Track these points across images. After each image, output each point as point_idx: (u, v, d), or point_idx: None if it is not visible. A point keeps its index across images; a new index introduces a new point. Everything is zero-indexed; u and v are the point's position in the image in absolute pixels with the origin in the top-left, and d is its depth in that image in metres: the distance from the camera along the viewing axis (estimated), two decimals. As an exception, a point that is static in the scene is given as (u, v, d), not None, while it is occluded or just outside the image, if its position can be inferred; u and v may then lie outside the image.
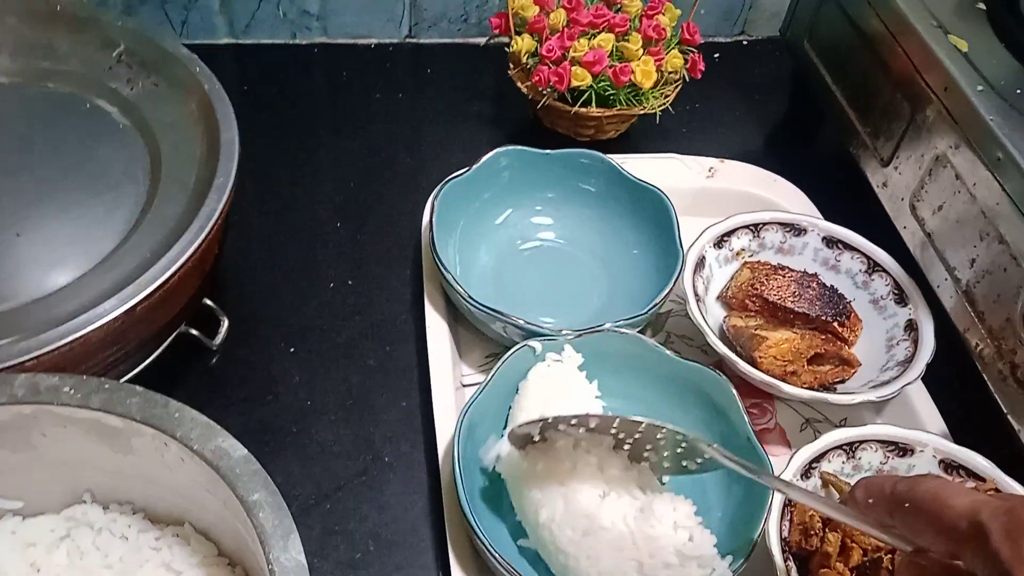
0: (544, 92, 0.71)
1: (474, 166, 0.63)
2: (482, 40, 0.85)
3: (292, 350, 0.61)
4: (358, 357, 0.61)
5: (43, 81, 0.59)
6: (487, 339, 0.61)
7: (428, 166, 0.73)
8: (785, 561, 0.47)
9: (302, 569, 0.36)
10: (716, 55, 0.87)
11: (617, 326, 0.56)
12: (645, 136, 0.77)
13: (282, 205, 0.69)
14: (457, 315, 0.61)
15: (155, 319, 0.51)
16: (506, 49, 0.74)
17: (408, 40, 0.85)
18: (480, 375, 0.60)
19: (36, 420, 0.40)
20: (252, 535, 0.37)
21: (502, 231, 0.66)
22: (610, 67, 0.70)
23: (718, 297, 0.64)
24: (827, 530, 0.48)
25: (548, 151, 0.65)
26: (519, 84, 0.73)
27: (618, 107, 0.72)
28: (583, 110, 0.71)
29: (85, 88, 0.59)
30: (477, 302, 0.56)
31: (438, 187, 0.62)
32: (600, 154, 0.65)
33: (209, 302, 0.57)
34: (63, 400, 0.40)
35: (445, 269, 0.57)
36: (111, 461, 0.43)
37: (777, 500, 0.49)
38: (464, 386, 0.59)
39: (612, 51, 0.70)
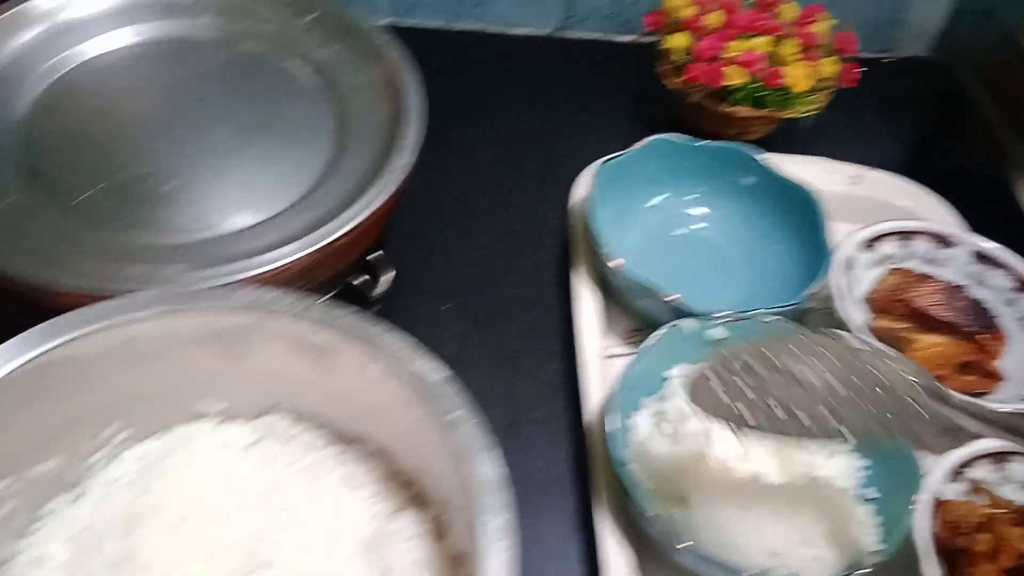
0: (694, 89, 0.73)
1: (631, 149, 0.66)
2: (629, 38, 0.88)
3: (445, 307, 0.64)
4: (507, 320, 0.64)
5: (241, 41, 0.64)
6: (629, 316, 0.63)
7: (570, 154, 0.76)
8: (935, 558, 0.47)
9: (504, 481, 0.38)
10: (862, 69, 0.87)
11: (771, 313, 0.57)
12: (787, 141, 0.78)
13: (438, 176, 0.73)
14: (603, 289, 0.63)
15: (339, 261, 0.54)
16: (657, 47, 0.76)
17: (558, 33, 0.88)
18: (624, 348, 0.62)
19: (253, 330, 0.44)
20: (450, 451, 0.39)
21: (652, 215, 0.68)
22: (764, 69, 0.71)
23: (861, 299, 0.65)
24: (979, 530, 0.49)
25: (703, 142, 0.67)
26: (668, 81, 0.75)
27: (768, 109, 0.73)
28: (733, 109, 0.73)
29: (276, 50, 0.63)
30: (629, 276, 0.58)
31: (598, 164, 0.65)
32: (753, 149, 0.67)
33: (374, 256, 0.60)
34: (281, 312, 0.43)
35: (600, 241, 0.60)
36: (310, 376, 0.46)
37: (927, 496, 0.50)
38: (607, 357, 0.61)
39: (767, 54, 0.72)
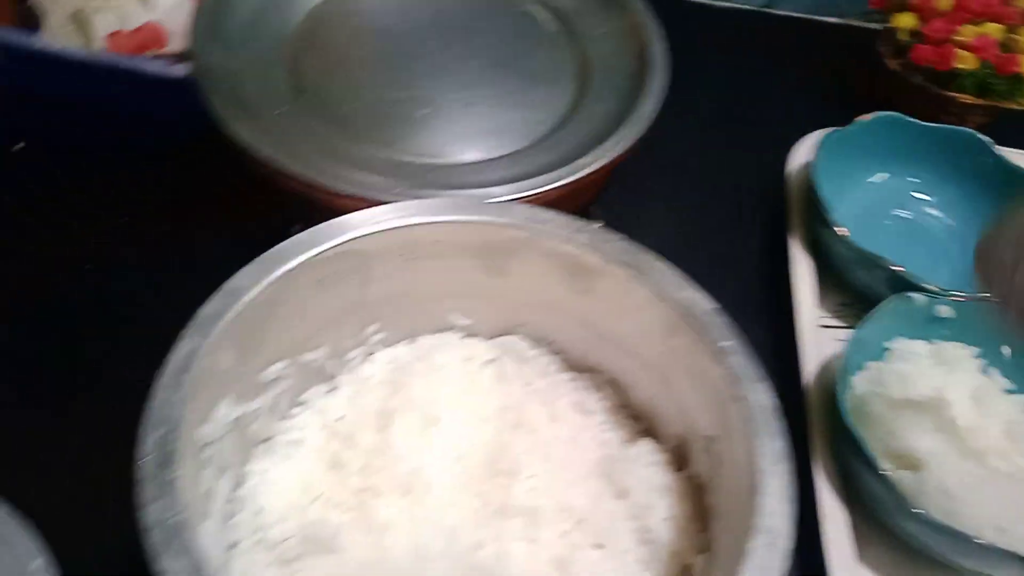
0: (917, 71, 0.72)
1: (857, 122, 0.65)
2: (835, 19, 0.87)
3: (652, 261, 0.65)
4: (709, 283, 0.64)
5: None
6: (838, 288, 0.63)
7: (774, 126, 0.76)
8: None
9: (770, 411, 0.39)
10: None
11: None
12: (1001, 132, 0.76)
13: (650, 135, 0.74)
14: (815, 258, 0.63)
15: (574, 202, 0.55)
16: (874, 27, 0.75)
17: (764, 9, 0.88)
18: (834, 320, 0.62)
19: (523, 246, 0.46)
20: (721, 378, 0.40)
21: (871, 191, 0.67)
22: (996, 56, 0.69)
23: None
24: None
25: (932, 124, 0.66)
26: (889, 61, 0.74)
27: (992, 97, 0.71)
28: (956, 95, 0.71)
29: (521, -6, 0.66)
30: (858, 245, 0.58)
31: (821, 133, 0.65)
32: (986, 138, 0.66)
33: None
34: (554, 232, 0.45)
35: (827, 209, 0.59)
36: (563, 299, 0.48)
37: None
38: (821, 327, 0.61)
39: (999, 42, 0.70)
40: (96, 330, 0.58)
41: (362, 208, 0.46)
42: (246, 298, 0.40)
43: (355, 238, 0.44)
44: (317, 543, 0.42)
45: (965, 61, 0.69)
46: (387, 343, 0.51)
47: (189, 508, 0.34)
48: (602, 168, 0.53)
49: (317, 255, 0.43)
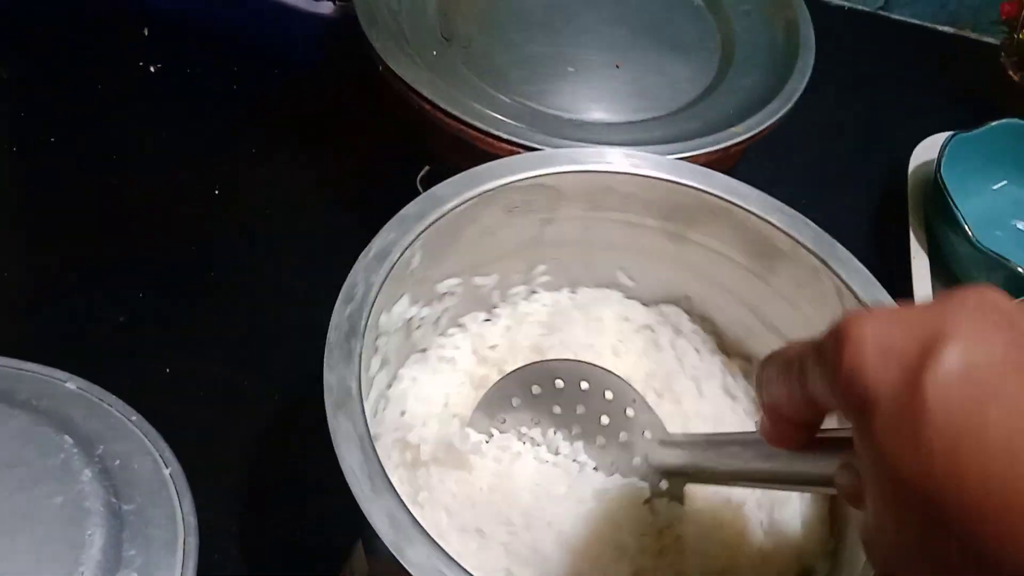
0: (1040, 84, 0.72)
1: (984, 127, 0.66)
2: (950, 29, 0.87)
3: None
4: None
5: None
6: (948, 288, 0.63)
7: (888, 128, 0.76)
8: None
9: None
10: None
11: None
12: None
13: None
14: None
15: (719, 169, 0.56)
16: (988, 41, 0.76)
17: (880, 12, 0.88)
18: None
19: (715, 214, 0.45)
20: None
21: (992, 199, 0.68)
22: None
23: None
24: None
25: (1061, 134, 0.66)
26: (1011, 73, 0.74)
27: (1116, 116, 0.71)
28: (1079, 110, 0.71)
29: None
30: (984, 246, 0.58)
31: (946, 135, 0.65)
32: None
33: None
34: (750, 207, 0.44)
35: (953, 207, 0.60)
36: (736, 278, 0.47)
37: None
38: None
39: None
40: (228, 252, 0.59)
41: (507, 153, 0.47)
42: (445, 207, 0.42)
43: (555, 173, 0.44)
44: (448, 456, 0.43)
45: (1091, 76, 0.69)
46: (550, 287, 0.51)
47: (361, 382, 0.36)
48: (746, 140, 0.54)
49: (516, 181, 0.43)
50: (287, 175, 0.64)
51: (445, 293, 0.47)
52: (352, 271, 0.39)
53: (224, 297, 0.57)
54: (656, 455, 0.41)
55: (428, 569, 0.30)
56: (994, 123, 0.66)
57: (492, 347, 0.48)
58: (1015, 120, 0.67)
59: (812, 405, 0.26)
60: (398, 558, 0.30)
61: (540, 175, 0.44)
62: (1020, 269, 0.57)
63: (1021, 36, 0.73)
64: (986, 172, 0.68)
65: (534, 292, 0.51)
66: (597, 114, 0.56)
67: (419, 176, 0.56)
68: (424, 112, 0.52)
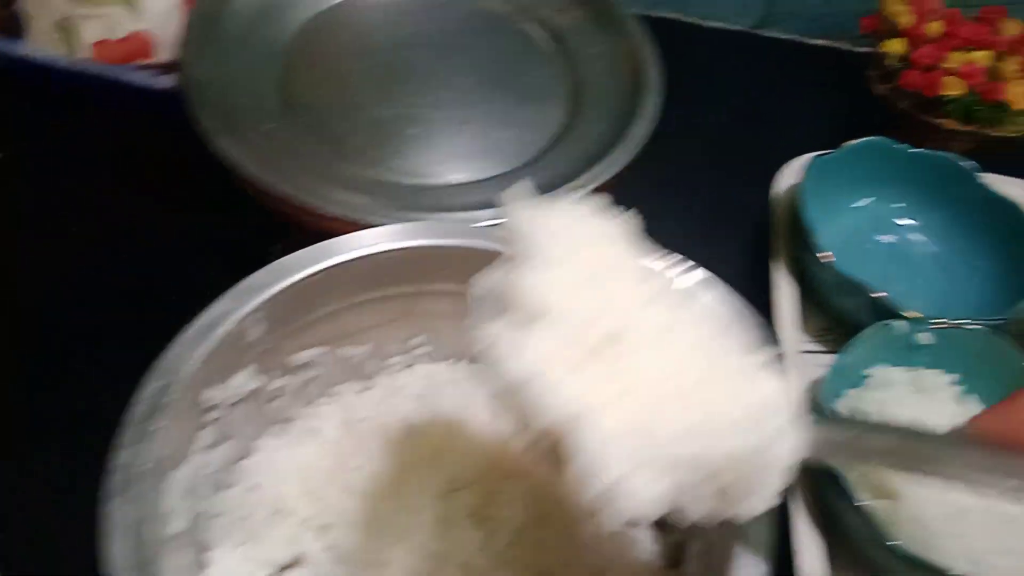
0: (904, 96, 0.72)
1: (845, 146, 0.66)
2: (824, 42, 0.87)
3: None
4: (697, 305, 0.65)
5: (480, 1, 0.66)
6: (820, 314, 0.63)
7: (762, 148, 0.76)
8: None
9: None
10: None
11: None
12: (985, 159, 0.77)
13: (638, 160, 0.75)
14: (798, 284, 0.64)
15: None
16: (863, 51, 0.76)
17: (754, 30, 0.88)
18: (815, 344, 0.62)
19: None
20: None
21: (856, 216, 0.68)
22: (983, 83, 0.70)
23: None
24: None
25: (920, 150, 0.67)
26: (877, 86, 0.75)
27: (977, 124, 0.72)
28: (942, 121, 0.72)
29: (517, 12, 0.65)
30: (841, 271, 0.58)
31: (808, 157, 0.65)
32: (966, 162, 0.66)
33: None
34: None
35: (812, 234, 0.60)
36: None
37: None
38: (802, 352, 0.61)
39: (986, 69, 0.71)
40: (83, 332, 0.58)
41: (347, 231, 0.46)
42: (293, 278, 0.42)
43: (419, 247, 0.44)
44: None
45: (952, 88, 0.70)
46: (432, 358, 0.51)
47: (165, 461, 0.36)
48: (591, 192, 0.53)
49: (379, 253, 0.44)
50: (143, 257, 0.62)
51: (305, 364, 0.46)
52: (169, 346, 0.39)
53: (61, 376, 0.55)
54: None
55: None
56: (855, 142, 0.66)
57: (362, 419, 0.48)
58: (875, 138, 0.67)
59: None
60: None
61: (403, 248, 0.44)
62: (875, 294, 0.57)
63: (882, 49, 0.74)
64: (852, 190, 0.68)
65: (412, 364, 0.51)
66: (442, 177, 0.55)
67: (273, 251, 0.55)
68: (253, 191, 0.51)
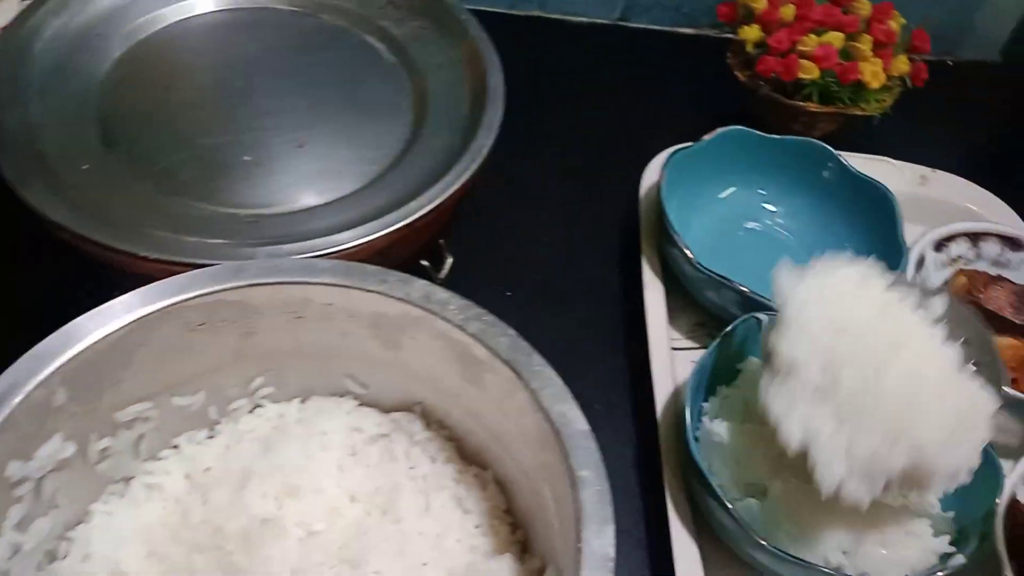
0: (764, 82, 0.72)
1: (703, 139, 0.65)
2: (690, 30, 0.87)
3: (508, 294, 0.63)
4: (569, 311, 0.64)
5: (319, 13, 0.63)
6: (695, 308, 0.63)
7: (634, 143, 0.75)
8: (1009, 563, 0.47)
9: (608, 562, 0.35)
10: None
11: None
12: (849, 139, 0.77)
13: (499, 160, 0.73)
14: (667, 280, 0.63)
15: (416, 241, 0.54)
16: (729, 36, 0.76)
17: (619, 23, 0.87)
18: (688, 341, 0.62)
19: (418, 325, 0.43)
20: (567, 509, 0.37)
21: (721, 207, 0.68)
22: (838, 64, 0.70)
23: (930, 300, 0.64)
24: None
25: (776, 136, 0.67)
26: (737, 73, 0.75)
27: (838, 105, 0.72)
28: (803, 104, 0.72)
29: (357, 24, 0.63)
30: (704, 267, 0.58)
31: (668, 152, 0.64)
32: (827, 146, 0.66)
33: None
34: (448, 316, 0.42)
35: (674, 231, 0.59)
36: (455, 385, 0.45)
37: (1005, 498, 0.49)
38: (674, 349, 0.60)
39: (841, 50, 0.71)
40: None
41: (172, 274, 0.43)
42: (90, 339, 0.39)
43: (233, 287, 0.42)
44: None
45: (808, 71, 0.70)
46: (276, 398, 0.49)
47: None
48: (437, 208, 0.51)
49: (185, 301, 0.41)
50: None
51: (133, 419, 0.44)
52: None
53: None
54: None
55: None
56: (712, 133, 0.66)
57: (206, 469, 0.46)
58: (733, 127, 0.67)
59: None
60: None
61: (214, 291, 0.41)
62: (738, 288, 0.57)
63: (740, 36, 0.73)
64: (715, 181, 0.68)
65: (259, 405, 0.48)
66: (281, 204, 0.52)
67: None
68: (68, 241, 0.47)
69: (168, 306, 0.41)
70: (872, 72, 0.70)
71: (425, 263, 0.59)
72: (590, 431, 0.38)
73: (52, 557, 0.42)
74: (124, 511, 0.44)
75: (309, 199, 0.53)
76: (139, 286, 0.41)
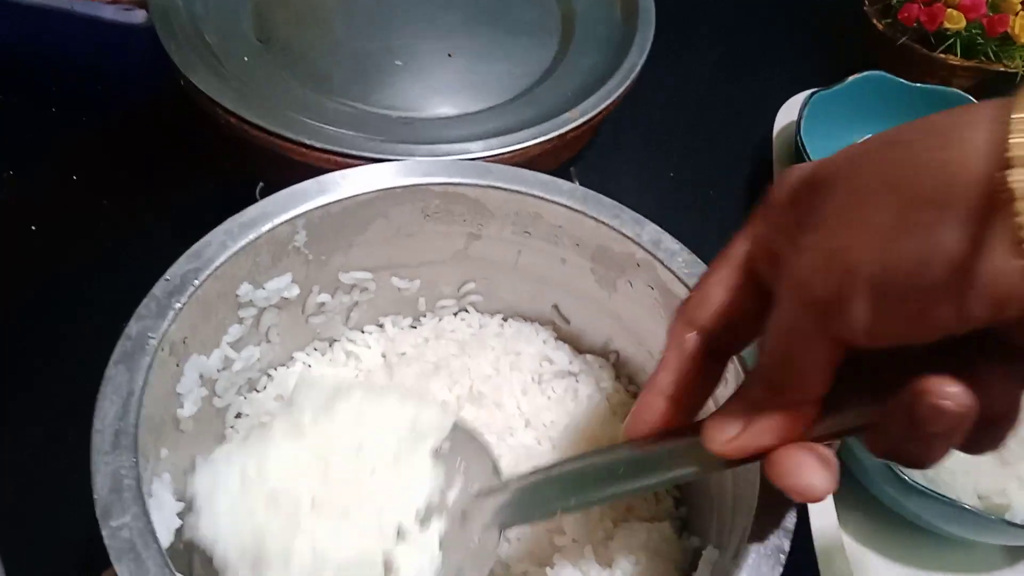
0: (904, 31, 0.70)
1: (843, 82, 0.64)
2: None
3: (633, 225, 0.63)
4: (692, 248, 0.63)
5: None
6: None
7: (767, 85, 0.74)
8: None
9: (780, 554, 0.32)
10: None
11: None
12: (985, 95, 0.75)
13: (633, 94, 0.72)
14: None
15: (560, 156, 0.54)
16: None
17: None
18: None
19: (639, 269, 0.43)
20: (747, 494, 0.34)
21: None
22: (986, 16, 0.68)
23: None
24: None
25: (920, 84, 0.65)
26: (875, 21, 0.73)
27: (980, 59, 0.70)
28: (944, 56, 0.70)
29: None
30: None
31: (806, 94, 0.63)
32: (969, 96, 0.64)
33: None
34: (673, 266, 0.41)
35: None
36: (657, 342, 0.43)
37: None
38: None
39: (989, 1, 0.69)
40: (51, 302, 0.55)
41: (333, 167, 0.44)
42: (340, 194, 0.40)
43: (475, 184, 0.42)
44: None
45: (953, 21, 0.68)
46: (481, 308, 0.49)
47: (187, 342, 0.36)
48: (584, 124, 0.51)
49: (430, 185, 0.42)
50: (118, 208, 0.60)
51: (353, 285, 0.45)
52: (212, 232, 0.38)
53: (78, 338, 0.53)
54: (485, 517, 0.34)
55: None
56: (855, 76, 0.65)
57: (402, 354, 0.47)
58: (875, 72, 0.65)
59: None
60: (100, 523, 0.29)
61: (454, 183, 0.42)
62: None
63: (882, -17, 0.71)
64: (851, 127, 0.66)
65: (464, 310, 0.49)
66: (428, 110, 0.53)
67: (257, 191, 0.53)
68: (232, 127, 0.48)
69: (414, 184, 0.41)
70: (1022, 26, 0.67)
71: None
72: None
73: (252, 387, 0.45)
74: (322, 368, 0.46)
75: (458, 107, 0.53)
76: (290, 182, 0.42)
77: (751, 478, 0.34)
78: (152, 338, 0.35)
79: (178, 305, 0.36)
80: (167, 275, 0.36)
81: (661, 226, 0.65)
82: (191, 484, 0.33)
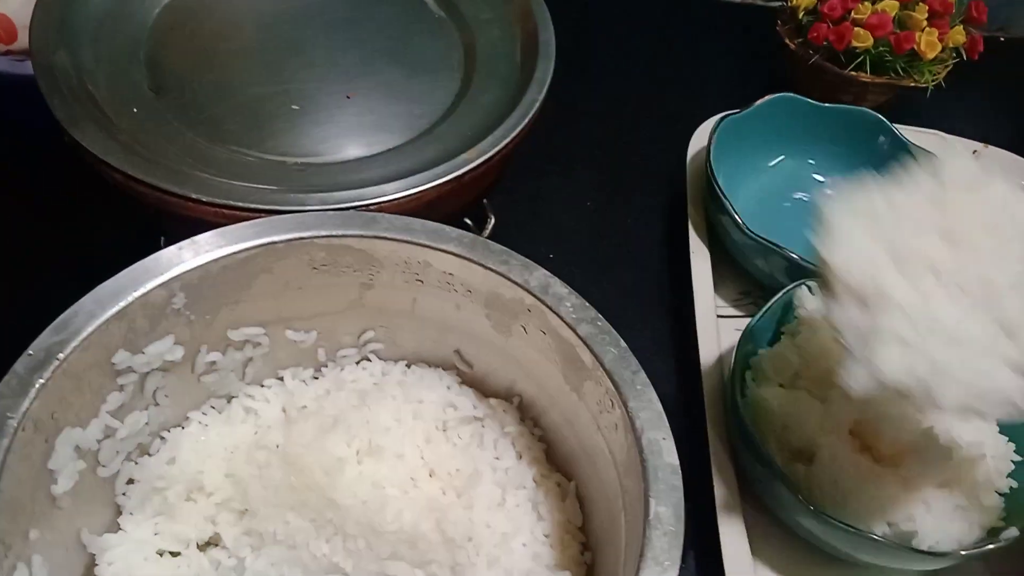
0: (815, 51, 0.71)
1: (754, 105, 0.64)
2: (738, -1, 0.85)
3: (550, 256, 0.63)
4: (610, 276, 0.63)
5: (369, -33, 0.62)
6: (739, 278, 0.62)
7: (680, 109, 0.74)
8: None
9: None
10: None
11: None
12: (899, 111, 0.76)
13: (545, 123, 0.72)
14: (712, 248, 0.62)
15: (463, 195, 0.53)
16: (778, 4, 0.74)
17: (667, -11, 0.86)
18: (733, 310, 0.61)
19: (530, 315, 0.42)
20: (635, 544, 0.35)
21: (770, 176, 0.66)
22: (893, 33, 0.69)
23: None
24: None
25: (828, 104, 0.65)
26: (787, 41, 0.73)
27: (890, 75, 0.71)
28: (854, 73, 0.70)
29: (406, -23, 0.62)
30: (754, 233, 0.57)
31: (717, 118, 0.63)
32: (881, 116, 0.65)
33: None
34: (561, 312, 0.41)
35: (724, 196, 0.58)
36: (555, 385, 0.44)
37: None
38: (719, 317, 0.59)
39: (895, 18, 0.70)
40: None
41: (225, 220, 0.43)
42: (217, 253, 0.40)
43: (360, 235, 0.42)
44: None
45: (862, 39, 0.68)
46: (384, 356, 0.49)
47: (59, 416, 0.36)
48: (486, 162, 0.51)
49: (313, 238, 0.42)
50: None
51: (245, 341, 0.45)
52: (79, 302, 0.37)
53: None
54: None
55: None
56: (764, 99, 0.65)
57: (302, 408, 0.47)
58: (784, 94, 0.65)
59: None
60: None
61: (342, 235, 0.42)
62: (788, 254, 0.56)
63: (792, 3, 0.72)
64: (764, 149, 0.67)
65: (366, 359, 0.49)
66: (327, 154, 0.52)
67: (161, 243, 0.52)
68: (119, 183, 0.47)
69: (296, 239, 0.41)
70: (928, 42, 0.68)
71: (468, 221, 0.59)
72: (678, 466, 0.36)
73: (144, 451, 0.44)
74: (218, 426, 0.46)
75: (357, 150, 0.52)
76: (189, 235, 0.41)
77: (637, 527, 0.35)
78: (11, 418, 0.33)
79: (40, 381, 0.35)
80: (30, 349, 0.35)
81: (579, 255, 0.65)
82: None
